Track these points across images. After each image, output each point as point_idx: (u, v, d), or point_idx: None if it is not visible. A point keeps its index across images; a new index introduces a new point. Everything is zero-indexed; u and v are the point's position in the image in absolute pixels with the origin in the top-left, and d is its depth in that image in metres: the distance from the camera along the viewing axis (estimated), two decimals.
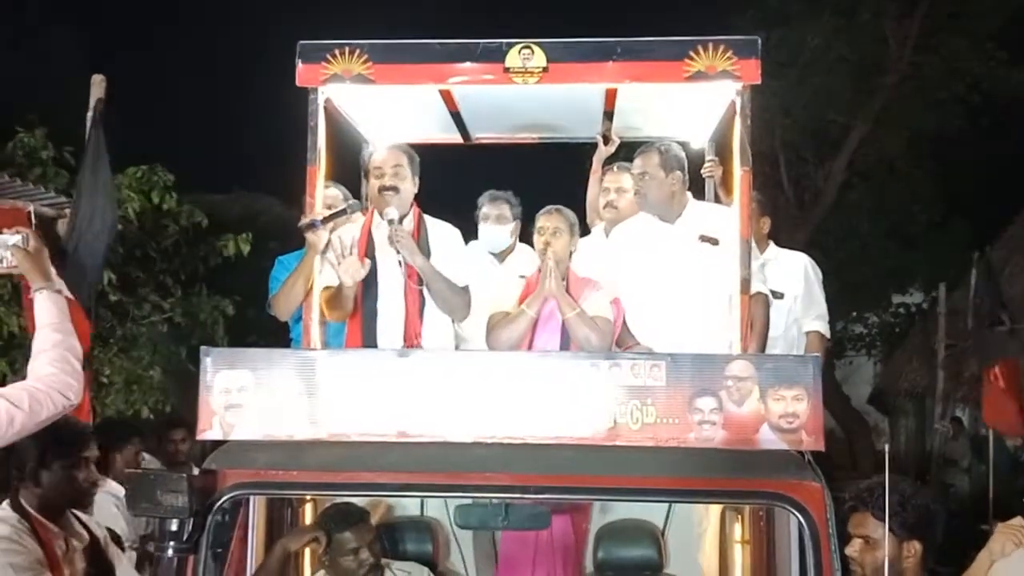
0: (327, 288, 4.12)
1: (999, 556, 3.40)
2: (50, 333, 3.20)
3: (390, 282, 4.19)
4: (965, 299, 11.20)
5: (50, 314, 3.24)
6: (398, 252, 4.12)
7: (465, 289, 4.26)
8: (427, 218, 4.34)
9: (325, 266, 4.14)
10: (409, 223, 4.22)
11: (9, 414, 2.96)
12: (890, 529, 3.14)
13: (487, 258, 4.91)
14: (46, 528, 3.22)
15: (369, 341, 4.11)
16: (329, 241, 4.07)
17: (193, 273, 9.92)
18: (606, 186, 5.02)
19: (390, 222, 4.11)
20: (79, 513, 3.46)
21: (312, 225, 3.94)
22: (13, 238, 3.34)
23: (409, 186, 4.24)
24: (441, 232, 4.35)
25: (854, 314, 17.96)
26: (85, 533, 3.42)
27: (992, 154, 15.37)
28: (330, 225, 4.06)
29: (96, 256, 5.16)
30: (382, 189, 4.18)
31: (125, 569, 3.60)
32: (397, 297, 4.18)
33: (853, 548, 3.21)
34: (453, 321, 4.33)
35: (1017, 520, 3.54)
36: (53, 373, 3.11)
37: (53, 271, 3.36)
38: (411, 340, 4.11)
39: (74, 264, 5.06)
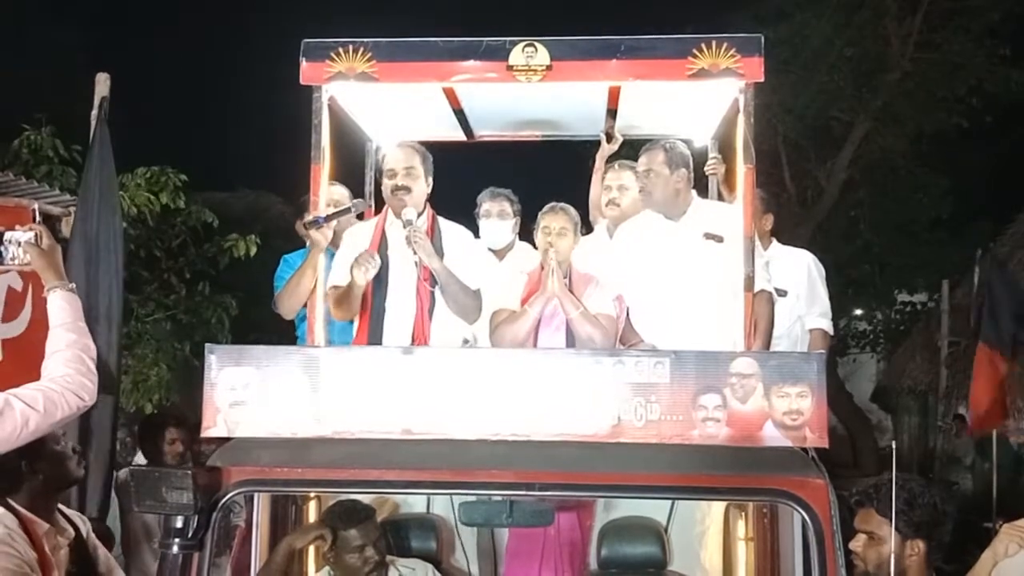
0: (335, 287, 4.13)
1: (1003, 557, 3.40)
2: (64, 333, 3.19)
3: (402, 282, 4.20)
4: (968, 296, 11.18)
5: (64, 313, 3.23)
6: (415, 253, 4.13)
7: (477, 292, 4.27)
8: (440, 219, 4.35)
9: (334, 265, 4.15)
10: (423, 223, 4.22)
11: (24, 415, 2.95)
12: (895, 527, 3.16)
13: (487, 255, 4.92)
14: (37, 526, 3.15)
15: (376, 339, 4.11)
16: (334, 238, 4.08)
17: (198, 272, 9.94)
18: (608, 184, 5.02)
19: (408, 223, 4.12)
20: (63, 507, 3.43)
21: (315, 223, 3.94)
22: (26, 235, 3.34)
23: (422, 186, 4.25)
24: (454, 233, 4.36)
25: (857, 312, 17.95)
26: (71, 528, 3.39)
27: (995, 151, 15.36)
28: (333, 223, 4.07)
29: (116, 253, 5.19)
30: (395, 190, 4.20)
31: (106, 564, 3.57)
32: (409, 297, 4.18)
33: (857, 543, 3.23)
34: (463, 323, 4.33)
35: (1023, 520, 3.54)
36: (68, 374, 3.10)
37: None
38: (420, 341, 4.12)
39: (94, 265, 5.08)
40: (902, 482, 3.17)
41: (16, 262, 3.33)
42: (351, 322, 4.22)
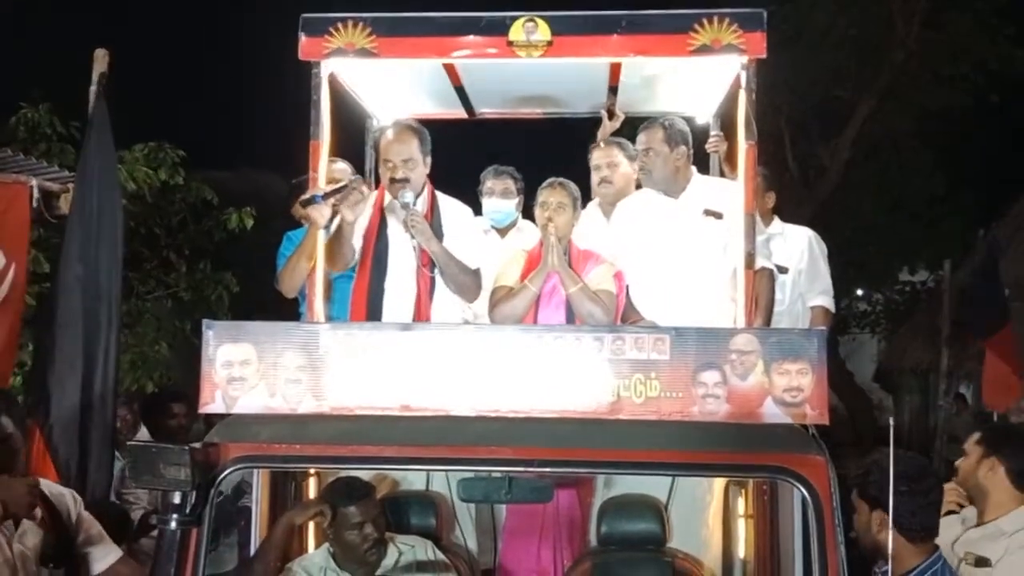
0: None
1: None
2: None
3: (401, 264, 4.18)
4: (970, 276, 11.16)
5: None
6: (413, 237, 4.11)
7: (476, 271, 4.26)
8: (440, 196, 4.32)
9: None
10: (423, 203, 4.19)
11: None
12: (861, 499, 3.26)
13: (490, 233, 4.91)
14: None
15: (376, 320, 4.10)
16: (332, 216, 4.06)
17: (198, 249, 9.93)
18: (597, 163, 4.86)
19: (405, 205, 4.09)
20: (50, 483, 3.40)
21: (313, 200, 3.92)
22: None
23: (420, 170, 4.21)
24: (454, 211, 4.33)
25: (859, 292, 17.94)
26: (39, 510, 3.34)
27: (998, 131, 15.29)
28: (331, 200, 4.05)
29: (116, 229, 5.18)
30: (392, 181, 4.17)
31: (97, 542, 3.53)
32: (408, 279, 4.17)
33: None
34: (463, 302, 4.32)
35: (950, 483, 3.60)
36: None
37: None
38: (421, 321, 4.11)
39: (93, 242, 5.07)
40: (871, 457, 3.24)
41: None
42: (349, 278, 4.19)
